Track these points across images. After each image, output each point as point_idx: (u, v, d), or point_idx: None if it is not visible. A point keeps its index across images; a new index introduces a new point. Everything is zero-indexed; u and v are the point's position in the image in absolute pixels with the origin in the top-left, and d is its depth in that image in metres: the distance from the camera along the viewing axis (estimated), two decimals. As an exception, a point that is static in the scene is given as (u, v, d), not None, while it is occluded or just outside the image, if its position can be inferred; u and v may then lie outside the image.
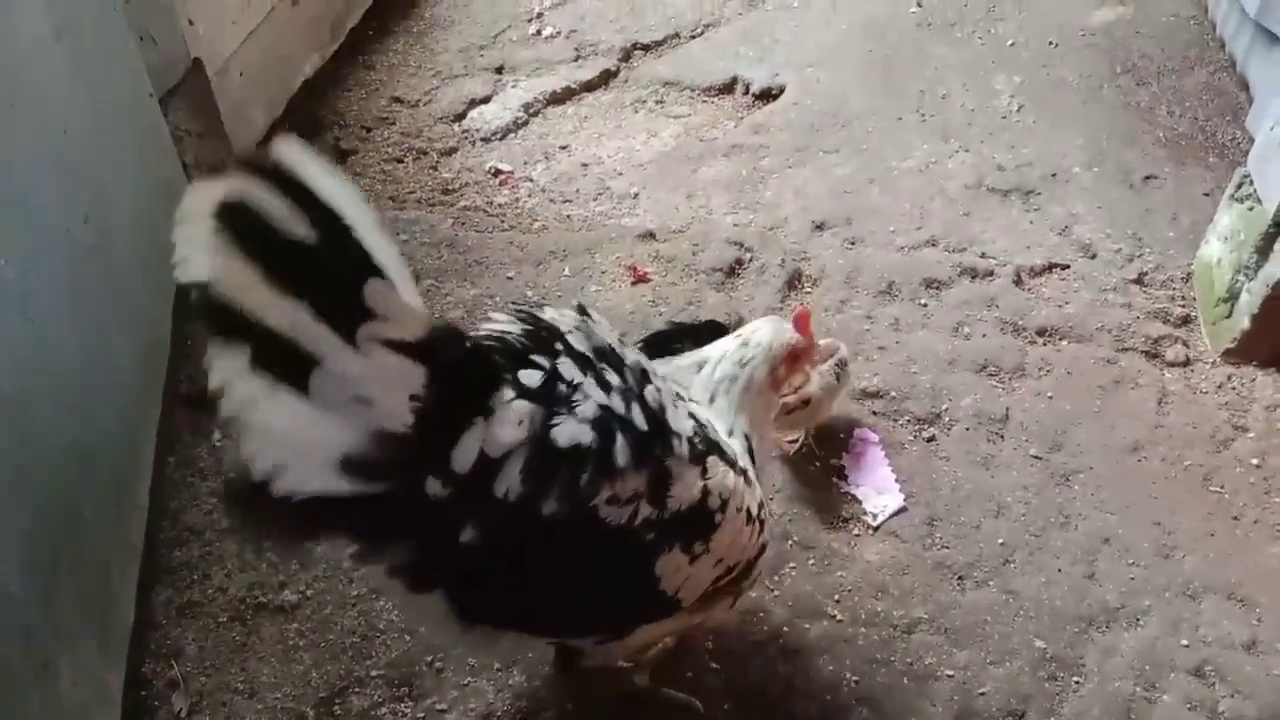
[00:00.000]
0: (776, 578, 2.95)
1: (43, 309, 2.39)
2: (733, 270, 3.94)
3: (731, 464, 2.05)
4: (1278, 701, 2.74)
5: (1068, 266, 4.03)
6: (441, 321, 1.65)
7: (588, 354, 1.85)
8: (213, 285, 1.45)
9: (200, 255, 1.47)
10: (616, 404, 1.80)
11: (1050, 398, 3.54)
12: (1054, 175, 4.46)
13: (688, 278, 3.89)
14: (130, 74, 3.36)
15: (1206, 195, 4.31)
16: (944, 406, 3.47)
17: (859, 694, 2.71)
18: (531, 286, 3.81)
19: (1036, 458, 3.34)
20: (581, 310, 1.99)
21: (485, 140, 4.65)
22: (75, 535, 2.41)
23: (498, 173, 4.45)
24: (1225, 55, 5.05)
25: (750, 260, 3.98)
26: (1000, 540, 3.09)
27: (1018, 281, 3.95)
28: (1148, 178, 4.46)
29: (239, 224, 1.43)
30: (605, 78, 5.09)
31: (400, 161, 4.51)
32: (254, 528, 1.71)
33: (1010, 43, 5.17)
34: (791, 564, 2.99)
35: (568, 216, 4.24)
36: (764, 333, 2.37)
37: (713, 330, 3.48)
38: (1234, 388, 3.61)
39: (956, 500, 3.20)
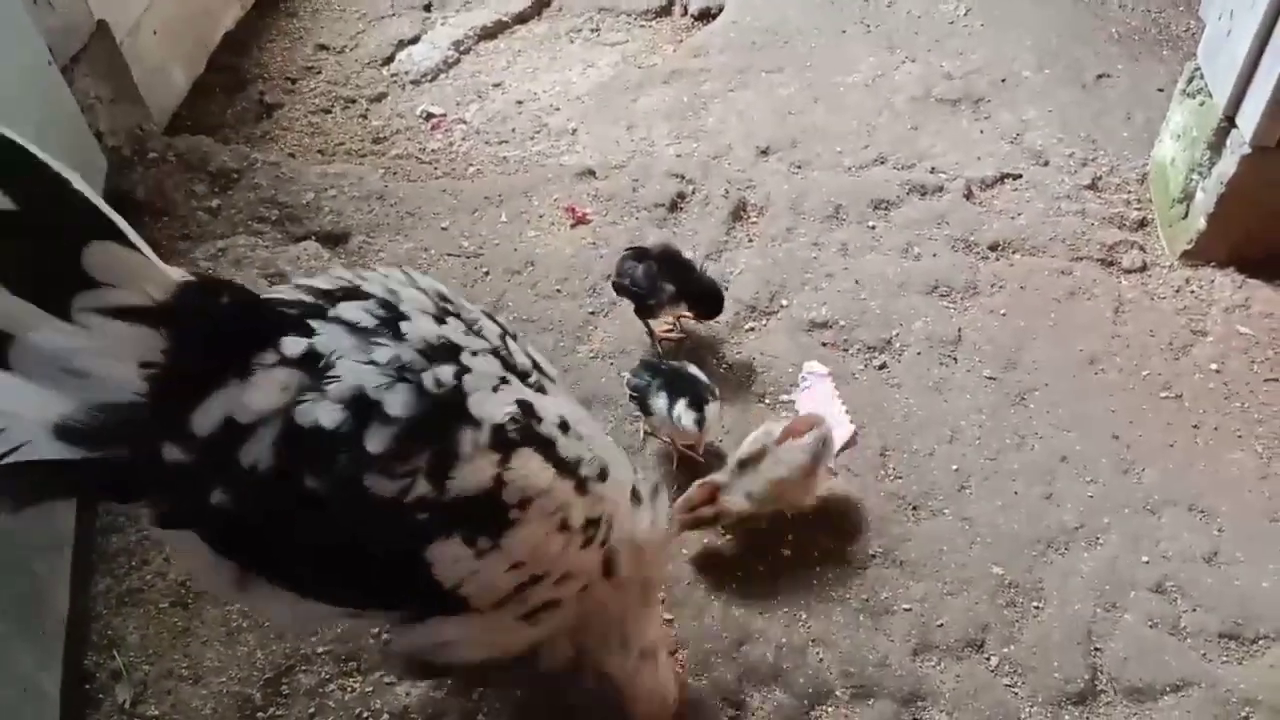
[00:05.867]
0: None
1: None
2: (675, 204, 3.81)
3: (565, 465, 1.85)
4: (1240, 612, 2.71)
5: (1019, 176, 3.92)
6: (195, 278, 1.51)
7: (365, 323, 1.68)
8: None
9: None
10: (372, 384, 1.61)
11: (1003, 315, 3.45)
12: (1004, 80, 4.32)
13: (629, 215, 3.76)
14: (22, 42, 3.18)
15: (1161, 91, 4.19)
16: (895, 332, 3.38)
17: (815, 634, 2.67)
18: (467, 236, 3.68)
19: (990, 379, 3.26)
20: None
21: (415, 83, 4.47)
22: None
23: (429, 117, 4.28)
24: (1177, -60, 4.87)
25: (693, 192, 3.86)
26: (954, 467, 3.03)
27: (968, 195, 3.84)
28: (1100, 76, 4.34)
29: None
30: (538, 7, 4.90)
31: (328, 112, 4.34)
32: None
33: (956, -58, 4.98)
34: (743, 506, 2.93)
35: (504, 159, 4.09)
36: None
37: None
38: (1192, 291, 3.53)
39: (909, 429, 3.13)
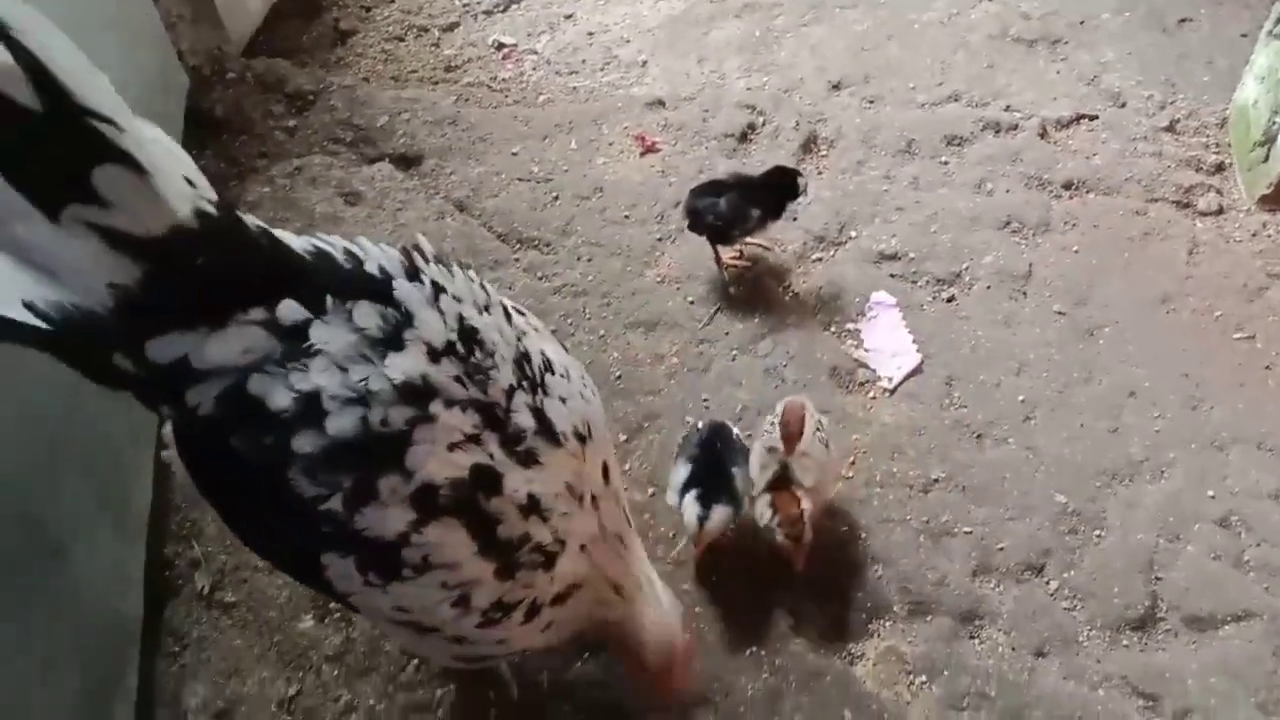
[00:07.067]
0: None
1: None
2: (745, 135, 3.81)
3: (498, 547, 1.77)
4: (1305, 549, 2.69)
5: (1096, 117, 3.87)
6: (195, 225, 1.49)
7: (370, 331, 1.62)
8: None
9: None
10: (330, 393, 1.57)
11: (1076, 252, 3.42)
12: (1082, 22, 4.25)
13: (698, 145, 3.77)
14: (112, -42, 3.25)
15: (1244, 36, 4.09)
16: (964, 265, 3.37)
17: (874, 552, 2.70)
18: (537, 161, 3.71)
19: (1060, 314, 3.25)
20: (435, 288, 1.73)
21: (487, 13, 4.49)
22: (75, 424, 2.40)
23: (501, 46, 4.30)
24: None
25: (763, 124, 3.85)
26: (1021, 398, 3.03)
27: (1043, 134, 3.79)
28: (1182, 20, 4.25)
29: None
30: (611, -59, 4.87)
31: (401, 40, 4.37)
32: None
33: (1037, -119, 4.88)
34: (806, 428, 2.96)
35: (574, 88, 4.11)
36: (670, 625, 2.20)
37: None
38: (1269, 235, 3.47)
39: (976, 359, 3.12)
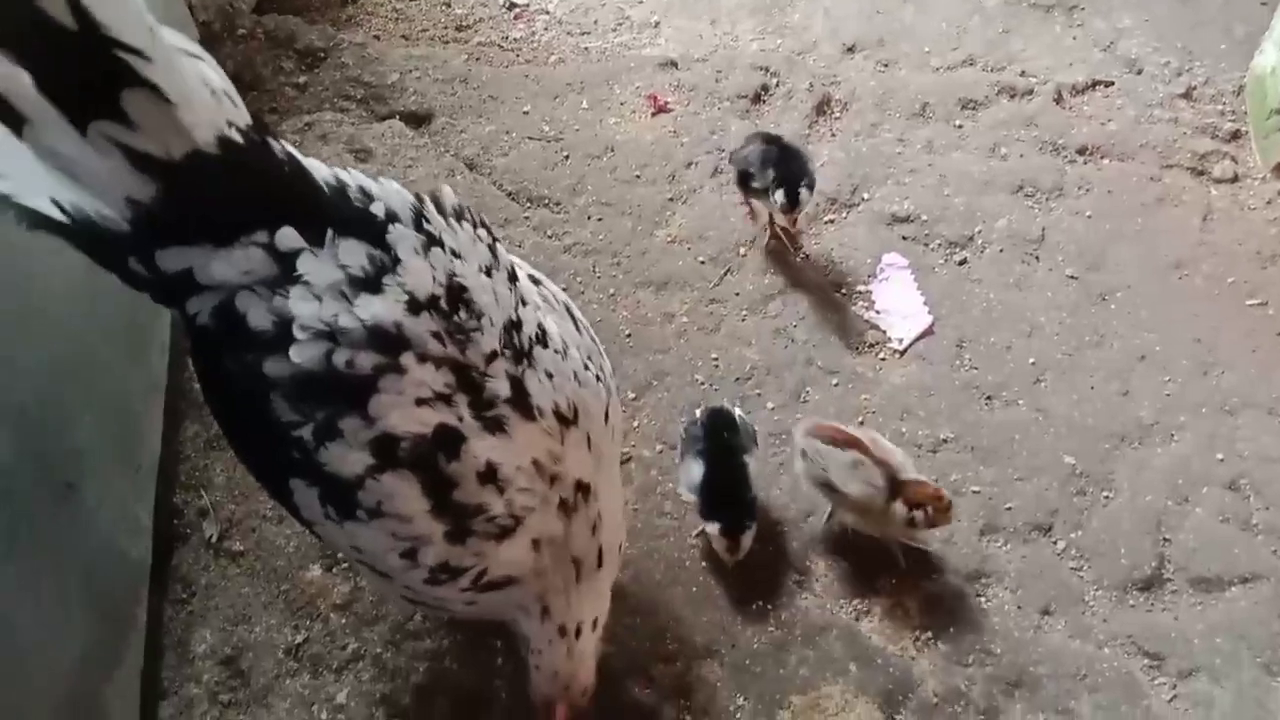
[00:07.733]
0: (802, 399, 2.93)
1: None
2: (758, 96, 3.78)
3: (453, 509, 1.75)
4: (1314, 513, 2.69)
5: (1111, 83, 3.83)
6: (214, 151, 1.53)
7: (351, 269, 1.63)
8: None
9: None
10: (301, 322, 1.59)
11: (1089, 217, 3.40)
12: (1100, -13, 4.20)
13: (710, 106, 3.74)
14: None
15: (1264, 4, 4.04)
16: (977, 229, 3.35)
17: (883, 511, 2.70)
18: (548, 120, 3.69)
19: (1072, 278, 3.23)
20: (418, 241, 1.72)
21: (499, -28, 4.45)
22: (89, 368, 2.41)
23: (512, 6, 4.26)
24: None
25: (777, 86, 3.82)
26: (1031, 360, 3.02)
27: (1058, 100, 3.76)
28: (1201, -13, 4.20)
29: None
30: (623, -99, 4.82)
31: (413, -1, 4.34)
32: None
33: None
34: (808, 388, 2.97)
35: (585, 49, 4.07)
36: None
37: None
38: (1284, 203, 3.45)
39: (987, 322, 3.12)
